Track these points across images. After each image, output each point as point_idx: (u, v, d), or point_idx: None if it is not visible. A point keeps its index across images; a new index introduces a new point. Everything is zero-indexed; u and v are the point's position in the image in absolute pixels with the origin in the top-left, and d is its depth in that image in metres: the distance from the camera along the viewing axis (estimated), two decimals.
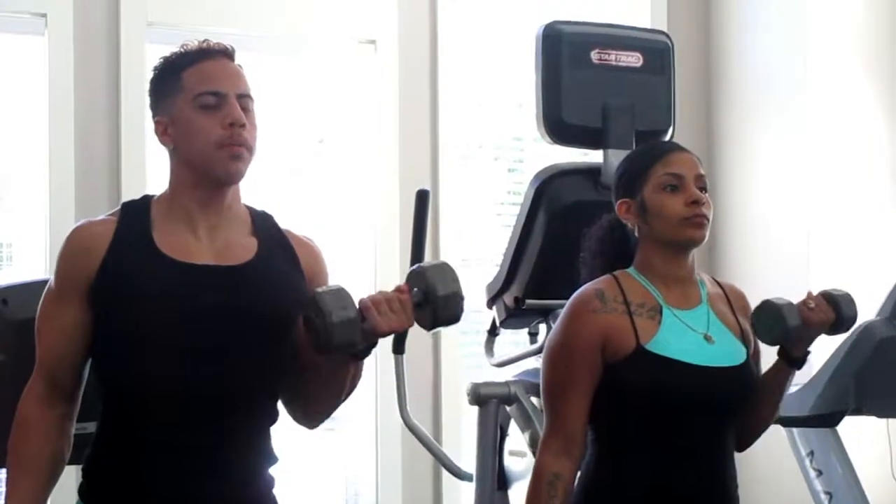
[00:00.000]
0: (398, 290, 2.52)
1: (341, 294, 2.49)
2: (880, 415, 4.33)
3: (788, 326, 2.83)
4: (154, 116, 2.68)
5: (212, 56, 2.65)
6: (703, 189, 2.86)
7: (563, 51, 3.83)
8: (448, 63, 5.45)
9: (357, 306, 2.49)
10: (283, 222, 2.81)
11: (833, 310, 2.87)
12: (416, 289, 2.52)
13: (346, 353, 2.52)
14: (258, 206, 2.80)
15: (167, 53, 2.70)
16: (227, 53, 2.68)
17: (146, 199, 2.69)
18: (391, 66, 5.35)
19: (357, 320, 2.48)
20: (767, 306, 2.86)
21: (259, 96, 5.31)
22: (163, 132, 2.66)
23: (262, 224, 2.75)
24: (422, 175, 5.30)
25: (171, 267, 2.57)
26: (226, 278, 2.60)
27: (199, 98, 2.61)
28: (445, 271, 2.54)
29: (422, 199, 4.05)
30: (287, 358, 2.68)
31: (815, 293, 2.89)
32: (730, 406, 2.88)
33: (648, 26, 5.40)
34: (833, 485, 4.14)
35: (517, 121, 5.70)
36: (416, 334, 4.47)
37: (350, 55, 5.38)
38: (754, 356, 2.96)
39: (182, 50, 2.67)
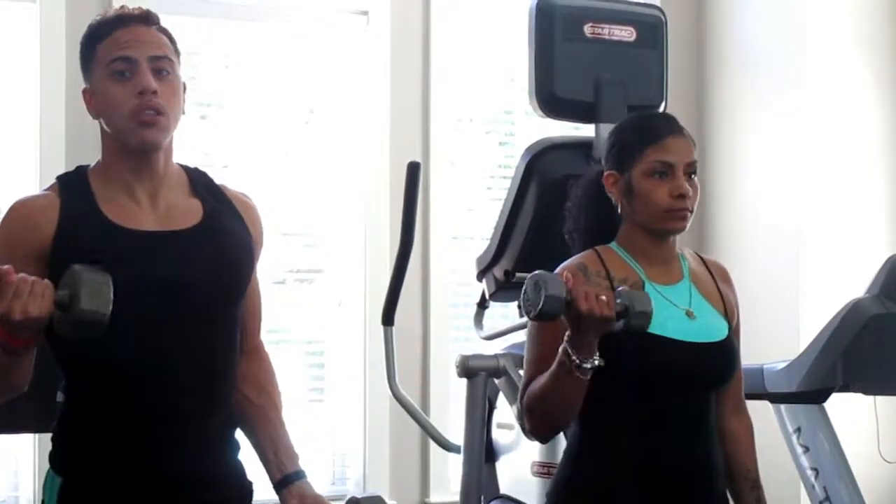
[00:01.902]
0: None
1: None
2: (868, 392, 4.33)
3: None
4: (84, 87, 2.67)
5: (126, 23, 2.61)
6: (692, 174, 2.84)
7: (556, 24, 3.82)
8: (440, 35, 5.44)
9: None
10: (218, 178, 2.78)
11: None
12: None
13: None
14: (191, 164, 2.76)
15: (91, 22, 2.68)
16: (143, 19, 2.63)
17: (82, 171, 2.67)
18: (383, 37, 5.34)
19: None
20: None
21: (251, 67, 5.31)
22: (88, 103, 2.65)
23: (200, 182, 2.72)
24: (413, 148, 5.30)
25: (125, 236, 2.56)
26: (181, 243, 2.59)
27: (110, 66, 2.58)
28: None
29: (412, 171, 4.05)
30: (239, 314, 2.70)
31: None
32: (712, 381, 2.88)
33: (642, 1, 5.38)
34: (820, 461, 4.14)
35: (509, 94, 5.69)
36: (405, 305, 4.49)
37: (342, 26, 5.37)
38: (735, 331, 2.96)
39: (100, 19, 2.65)
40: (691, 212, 2.83)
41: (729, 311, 2.93)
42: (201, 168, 2.78)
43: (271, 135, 5.29)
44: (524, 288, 2.59)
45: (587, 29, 3.85)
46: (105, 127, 2.63)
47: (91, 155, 4.71)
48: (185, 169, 2.72)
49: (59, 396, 2.71)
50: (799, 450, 4.19)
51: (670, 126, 2.87)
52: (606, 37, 3.87)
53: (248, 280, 2.71)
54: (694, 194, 2.82)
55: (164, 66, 2.60)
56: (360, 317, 5.28)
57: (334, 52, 5.37)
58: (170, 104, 2.58)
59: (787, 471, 4.31)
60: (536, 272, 2.58)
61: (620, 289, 2.63)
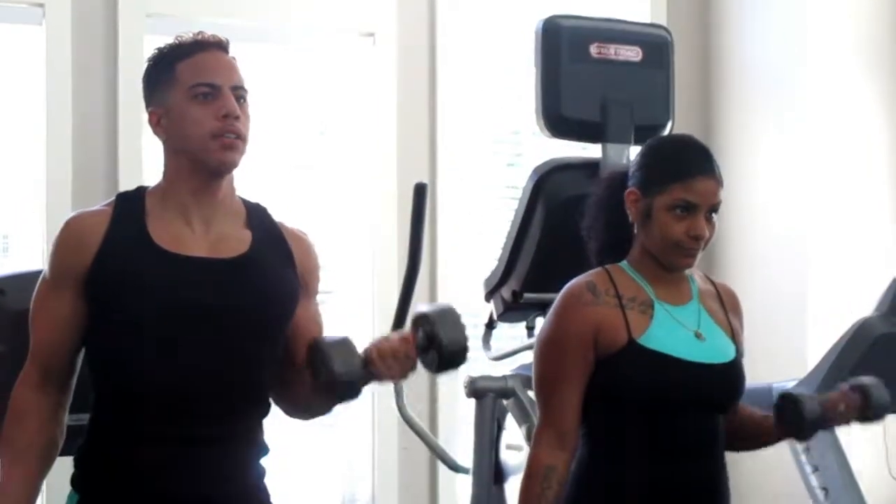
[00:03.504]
0: (404, 339, 2.53)
1: (347, 347, 2.51)
2: None
3: (806, 421, 2.88)
4: (148, 107, 2.69)
5: (206, 48, 2.67)
6: (714, 211, 2.83)
7: (562, 45, 3.83)
8: (447, 56, 5.45)
9: (362, 357, 2.51)
10: (277, 215, 2.81)
11: (863, 400, 2.94)
12: (421, 333, 2.53)
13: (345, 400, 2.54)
14: (252, 199, 2.80)
15: (161, 45, 2.71)
16: (221, 46, 2.69)
17: (141, 191, 2.70)
18: (390, 59, 5.35)
19: (361, 374, 2.50)
20: (789, 400, 2.90)
21: (259, 88, 5.32)
22: (156, 123, 2.67)
23: (257, 217, 2.75)
24: (420, 169, 5.30)
25: (165, 259, 2.58)
26: (219, 271, 2.61)
27: (193, 89, 2.62)
28: (452, 320, 2.54)
29: (420, 192, 4.05)
30: (279, 351, 2.69)
31: (847, 389, 2.96)
32: (721, 402, 2.88)
33: (648, 21, 5.40)
34: (829, 481, 4.14)
35: (516, 115, 5.69)
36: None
37: (349, 48, 5.38)
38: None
39: (176, 42, 2.69)
40: (703, 249, 2.83)
41: (735, 336, 2.93)
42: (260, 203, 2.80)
43: (280, 154, 5.30)
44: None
45: (593, 49, 3.86)
46: (175, 147, 2.65)
47: (98, 178, 4.75)
48: (246, 202, 2.76)
49: (70, 419, 2.72)
50: (808, 469, 4.19)
51: (701, 164, 2.85)
52: (613, 57, 3.88)
53: (286, 318, 2.69)
54: (710, 234, 2.82)
55: (242, 94, 2.68)
56: (368, 338, 5.26)
57: (341, 75, 5.38)
58: (247, 130, 2.66)
59: (797, 490, 4.30)
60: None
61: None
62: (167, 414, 2.55)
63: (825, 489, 4.15)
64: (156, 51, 2.71)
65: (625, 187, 2.91)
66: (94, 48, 4.81)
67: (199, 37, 2.68)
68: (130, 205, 2.65)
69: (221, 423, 2.59)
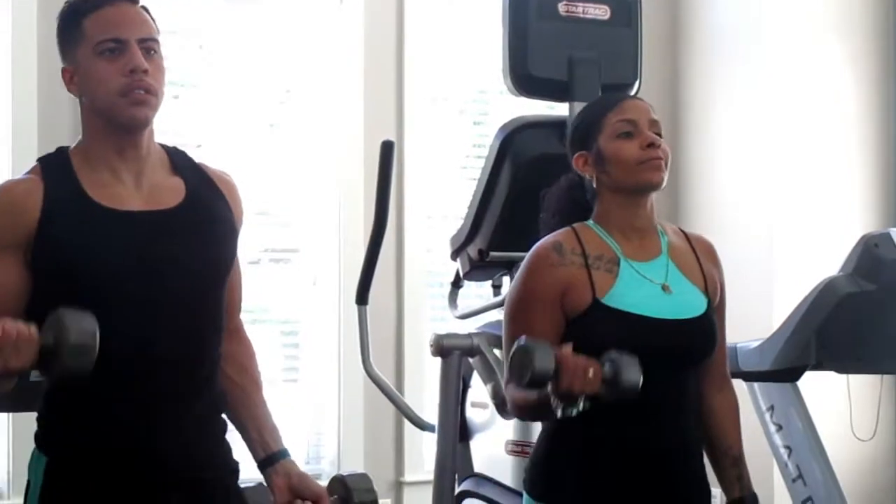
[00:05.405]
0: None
1: None
2: (841, 371, 4.35)
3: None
4: (62, 65, 2.63)
5: (112, 1, 2.59)
6: (657, 134, 2.85)
7: (530, 2, 3.82)
8: (414, 14, 5.43)
9: None
10: (196, 156, 2.76)
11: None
12: (336, 497, 2.70)
13: None
14: (169, 143, 2.74)
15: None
16: None
17: (63, 152, 2.65)
18: (357, 16, 5.33)
19: None
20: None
21: (227, 46, 5.30)
22: (69, 81, 2.62)
23: (181, 161, 2.70)
24: (387, 127, 5.29)
25: (110, 217, 2.54)
26: (166, 222, 2.58)
27: (99, 46, 2.55)
28: (365, 487, 2.70)
29: (386, 150, 4.04)
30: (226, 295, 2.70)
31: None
32: (689, 358, 2.87)
33: None
34: (792, 439, 4.16)
35: (483, 73, 5.68)
36: (380, 285, 4.49)
37: (316, 7, 5.35)
38: (719, 308, 2.95)
39: None
40: (666, 163, 2.82)
41: (710, 288, 2.91)
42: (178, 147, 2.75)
43: (245, 114, 5.28)
44: (511, 355, 2.56)
45: (561, 7, 3.85)
46: (88, 106, 2.60)
47: (65, 141, 4.70)
48: (165, 148, 2.70)
49: (34, 375, 2.70)
50: (772, 428, 4.21)
51: (624, 94, 2.95)
52: (581, 15, 3.87)
53: (233, 259, 2.70)
54: (665, 150, 2.83)
55: (152, 46, 2.59)
56: (334, 296, 5.28)
57: (308, 31, 5.36)
58: (158, 83, 2.57)
59: (761, 448, 4.32)
60: (525, 342, 2.54)
61: (611, 356, 2.56)
62: (131, 373, 2.52)
63: (789, 448, 4.18)
64: (65, 5, 2.64)
65: (572, 188, 2.94)
66: (60, 6, 4.76)
67: None
68: (58, 168, 2.60)
69: (184, 377, 2.57)
